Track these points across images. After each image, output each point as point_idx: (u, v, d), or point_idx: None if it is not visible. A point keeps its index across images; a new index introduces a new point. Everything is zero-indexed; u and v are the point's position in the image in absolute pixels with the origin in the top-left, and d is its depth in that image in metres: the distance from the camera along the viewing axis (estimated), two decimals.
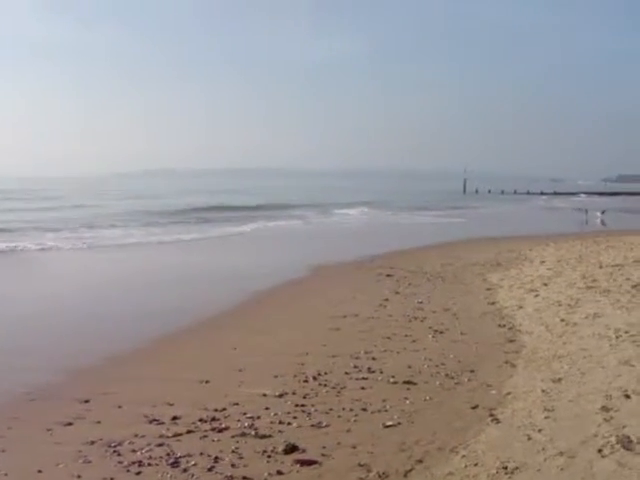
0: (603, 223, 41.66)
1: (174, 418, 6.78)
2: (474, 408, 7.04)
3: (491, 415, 6.77)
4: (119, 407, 7.22)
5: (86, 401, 7.42)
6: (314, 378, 8.12)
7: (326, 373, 8.31)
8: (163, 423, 6.66)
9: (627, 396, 7.03)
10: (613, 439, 5.71)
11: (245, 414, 6.87)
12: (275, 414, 6.87)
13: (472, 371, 8.37)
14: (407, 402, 7.26)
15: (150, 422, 6.70)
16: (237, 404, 7.20)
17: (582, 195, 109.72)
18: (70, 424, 6.70)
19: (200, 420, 6.71)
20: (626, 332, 9.73)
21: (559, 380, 7.74)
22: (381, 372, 8.35)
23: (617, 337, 9.48)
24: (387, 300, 13.08)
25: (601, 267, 16.55)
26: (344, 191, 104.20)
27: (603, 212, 45.95)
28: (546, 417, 6.58)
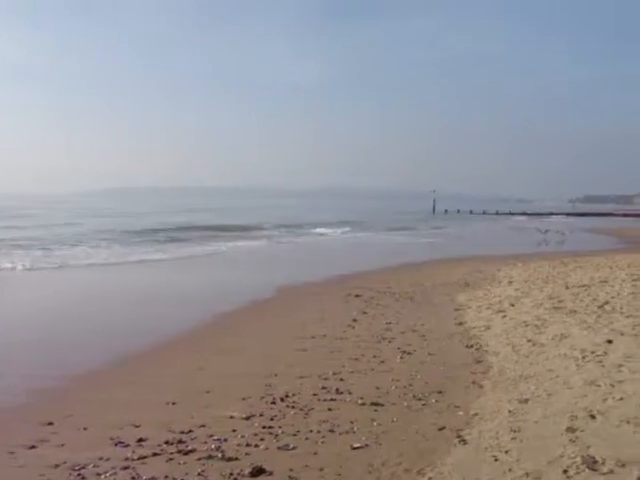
0: (563, 243, 42.17)
1: (140, 440, 6.70)
2: (441, 429, 7.05)
3: (458, 436, 6.78)
4: (84, 429, 7.13)
5: (50, 423, 7.31)
6: (282, 400, 8.08)
7: (294, 394, 8.27)
8: (128, 445, 6.58)
9: (592, 416, 7.09)
10: (578, 460, 5.75)
11: (212, 436, 6.81)
12: (242, 436, 6.81)
13: (440, 392, 8.38)
14: (375, 424, 7.24)
15: (115, 444, 6.62)
16: (204, 426, 7.13)
17: (556, 216, 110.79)
18: (34, 447, 6.59)
19: (166, 442, 6.63)
20: (592, 352, 9.83)
21: (526, 401, 7.78)
22: (349, 393, 8.33)
23: (583, 357, 9.57)
24: (355, 321, 13.09)
25: (568, 288, 16.70)
26: (319, 210, 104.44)
27: (564, 234, 46.41)
28: (513, 438, 6.61)
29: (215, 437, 6.79)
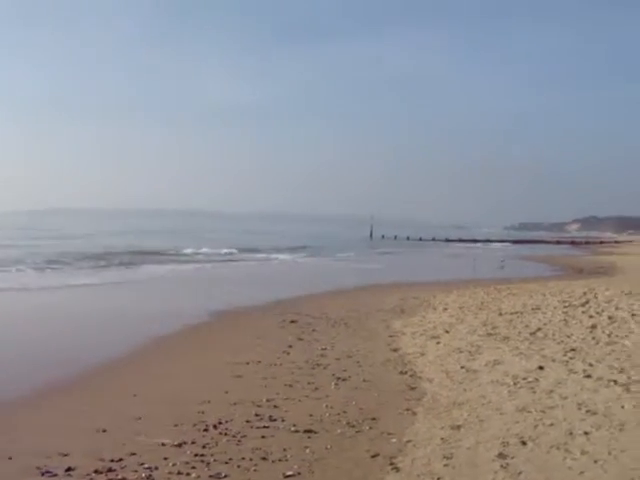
0: (502, 268, 42.82)
1: (68, 469, 6.54)
2: (374, 457, 7.05)
3: (391, 464, 6.79)
4: (9, 459, 6.90)
5: None
6: (214, 427, 7.99)
7: (227, 421, 8.19)
8: (56, 475, 6.42)
9: (523, 442, 7.20)
10: None
11: (143, 464, 6.69)
12: (174, 464, 6.70)
13: (373, 419, 8.38)
14: (307, 451, 7.21)
15: (42, 474, 6.44)
16: (135, 454, 7.00)
17: (495, 243, 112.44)
18: None
19: (95, 471, 6.49)
20: (524, 379, 10.00)
21: (458, 427, 7.85)
22: (283, 420, 8.28)
23: (515, 384, 9.72)
24: (291, 347, 13.04)
25: (501, 314, 16.95)
26: (258, 235, 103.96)
27: (502, 260, 47.17)
28: (445, 465, 6.66)
29: (146, 465, 6.66)
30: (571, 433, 7.47)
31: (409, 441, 7.48)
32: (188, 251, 51.50)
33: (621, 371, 10.34)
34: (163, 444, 7.34)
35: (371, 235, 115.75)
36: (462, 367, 11.00)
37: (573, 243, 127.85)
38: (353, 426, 8.10)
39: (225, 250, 53.87)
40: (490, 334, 14.01)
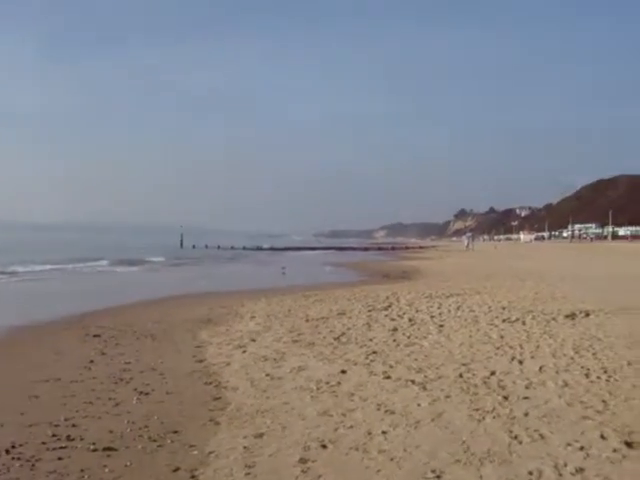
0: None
1: None
2: (175, 470, 6.91)
3: (192, 476, 6.70)
4: None
5: None
6: (7, 452, 7.49)
7: (21, 445, 7.71)
8: None
9: (324, 446, 7.34)
10: None
11: None
12: None
13: (176, 432, 8.22)
14: (107, 470, 6.94)
15: None
16: None
17: (304, 251, 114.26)
18: None
19: None
20: (327, 383, 10.22)
21: (261, 435, 7.87)
22: (81, 439, 7.93)
23: (318, 389, 9.90)
24: (92, 362, 12.54)
25: (308, 321, 17.24)
26: (54, 245, 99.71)
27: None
28: (246, 474, 6.66)
29: None
30: (370, 433, 7.70)
31: (211, 452, 7.40)
32: None
33: (419, 371, 10.82)
34: None
35: (181, 244, 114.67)
36: (267, 375, 11.06)
37: (380, 249, 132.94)
38: (155, 440, 7.90)
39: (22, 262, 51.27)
40: (296, 340, 14.20)
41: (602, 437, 7.25)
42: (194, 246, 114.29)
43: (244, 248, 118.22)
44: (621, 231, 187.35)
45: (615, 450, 6.84)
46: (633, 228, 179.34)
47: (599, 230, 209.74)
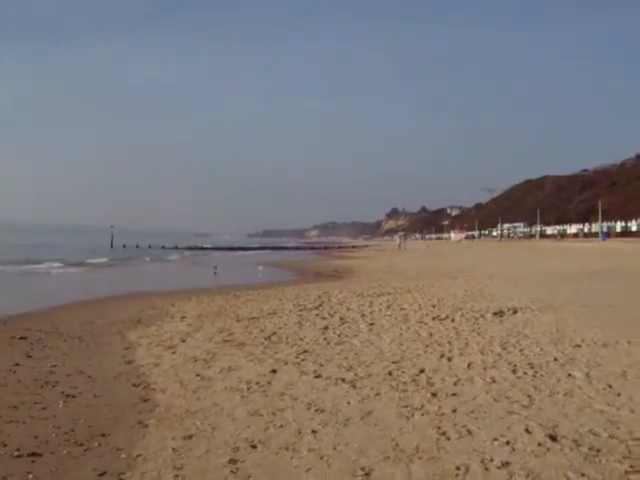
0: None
1: None
2: (102, 475, 6.80)
3: None
4: None
5: None
6: None
7: None
8: None
9: (253, 446, 7.33)
10: None
11: None
12: None
13: (103, 435, 8.09)
14: (31, 476, 6.79)
15: None
16: None
17: (238, 251, 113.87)
18: None
19: None
20: (257, 383, 10.18)
21: (190, 437, 7.81)
22: (4, 446, 7.71)
23: (248, 389, 9.87)
24: (18, 365, 12.19)
25: (239, 320, 17.16)
26: None
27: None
28: (175, 476, 6.61)
29: None
30: (300, 432, 7.71)
31: (139, 455, 7.30)
32: None
33: (349, 369, 10.87)
34: None
35: (112, 244, 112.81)
36: (197, 375, 10.97)
37: (313, 248, 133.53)
38: (81, 445, 7.75)
39: None
40: (227, 340, 14.12)
41: (527, 431, 7.39)
42: (124, 246, 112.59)
43: (176, 248, 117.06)
44: (548, 230, 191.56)
45: (540, 444, 6.99)
46: (560, 227, 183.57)
47: (527, 229, 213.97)
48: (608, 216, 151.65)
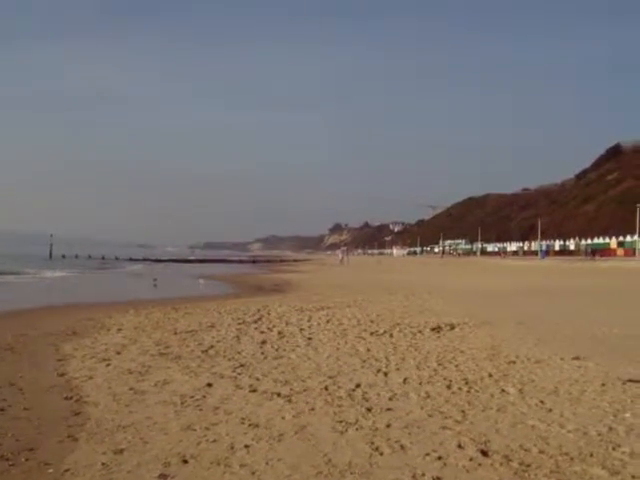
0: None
1: None
2: None
3: None
4: None
5: None
6: None
7: None
8: None
9: (185, 461, 7.24)
10: None
11: None
12: None
13: (31, 449, 7.88)
14: None
15: None
16: None
17: (176, 263, 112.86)
18: None
19: None
20: (191, 397, 10.07)
21: (121, 451, 7.67)
22: None
23: (182, 403, 9.75)
24: None
25: (176, 333, 16.99)
26: None
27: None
28: None
29: None
30: (233, 447, 7.64)
31: (67, 470, 7.14)
32: None
33: (285, 384, 10.84)
34: None
35: (51, 254, 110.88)
36: (130, 389, 10.80)
37: (255, 262, 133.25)
38: (7, 459, 7.53)
39: None
40: (163, 353, 13.96)
41: (459, 446, 7.46)
42: (64, 256, 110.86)
43: (116, 258, 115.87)
44: (489, 247, 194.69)
45: (471, 459, 7.05)
46: (500, 244, 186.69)
47: (469, 246, 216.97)
48: (547, 234, 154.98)
